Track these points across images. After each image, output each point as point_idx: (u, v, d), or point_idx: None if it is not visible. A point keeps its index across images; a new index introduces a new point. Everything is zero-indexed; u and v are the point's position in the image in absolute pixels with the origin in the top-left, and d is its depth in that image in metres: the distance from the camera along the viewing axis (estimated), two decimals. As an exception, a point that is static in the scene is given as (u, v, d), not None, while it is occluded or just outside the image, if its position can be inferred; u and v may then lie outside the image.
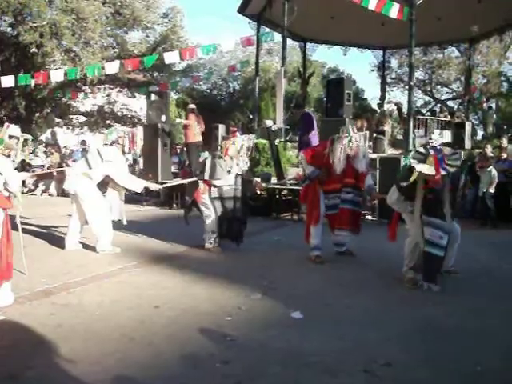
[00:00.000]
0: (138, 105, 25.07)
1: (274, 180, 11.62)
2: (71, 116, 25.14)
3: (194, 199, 6.93)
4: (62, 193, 14.88)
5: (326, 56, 41.63)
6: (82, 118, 25.48)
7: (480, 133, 21.82)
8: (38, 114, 22.80)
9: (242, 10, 15.93)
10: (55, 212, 9.98)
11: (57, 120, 24.29)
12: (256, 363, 3.26)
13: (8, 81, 14.21)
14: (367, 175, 6.49)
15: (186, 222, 7.07)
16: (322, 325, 4.00)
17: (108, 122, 25.53)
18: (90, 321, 3.93)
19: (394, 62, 29.83)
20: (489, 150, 11.53)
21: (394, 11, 10.84)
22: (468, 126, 12.22)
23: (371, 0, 10.84)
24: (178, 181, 9.66)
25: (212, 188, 6.76)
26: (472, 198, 10.80)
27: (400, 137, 14.83)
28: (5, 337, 3.62)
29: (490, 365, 3.31)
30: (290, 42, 17.76)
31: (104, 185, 6.78)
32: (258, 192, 8.41)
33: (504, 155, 11.31)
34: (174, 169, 13.67)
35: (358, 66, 52.84)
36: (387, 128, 14.18)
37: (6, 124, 6.32)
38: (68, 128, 25.34)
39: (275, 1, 14.32)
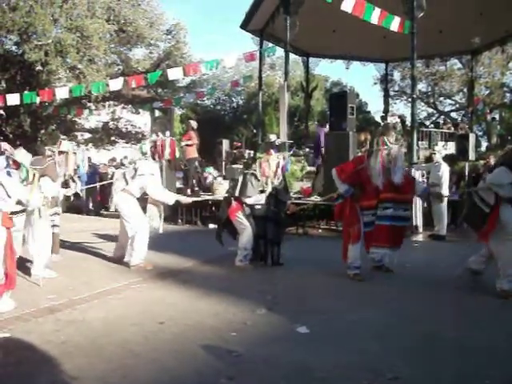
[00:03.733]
0: (142, 121, 25.18)
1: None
2: (76, 133, 25.28)
3: (228, 217, 6.77)
4: (67, 209, 14.95)
5: (329, 70, 41.91)
6: (87, 135, 25.60)
7: (484, 144, 21.80)
8: (43, 131, 22.93)
9: (244, 26, 16.07)
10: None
11: (62, 137, 24.43)
12: (262, 379, 3.23)
13: (14, 99, 14.33)
14: (414, 182, 6.30)
15: (221, 243, 6.93)
16: (328, 339, 3.98)
17: (113, 138, 25.65)
18: (94, 337, 3.92)
19: (396, 75, 29.99)
20: (492, 161, 11.49)
21: (395, 24, 10.92)
22: (472, 138, 12.16)
23: (373, 13, 10.92)
24: (210, 196, 9.69)
25: (244, 206, 6.63)
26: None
27: (404, 149, 14.83)
28: (9, 354, 3.61)
29: (497, 380, 3.27)
30: (292, 56, 17.86)
31: (144, 200, 6.82)
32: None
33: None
34: (178, 184, 13.70)
35: (361, 79, 53.20)
36: (391, 141, 14.18)
37: (59, 140, 6.58)
38: (73, 145, 25.49)
39: (277, 16, 14.45)
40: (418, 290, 5.67)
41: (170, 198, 6.80)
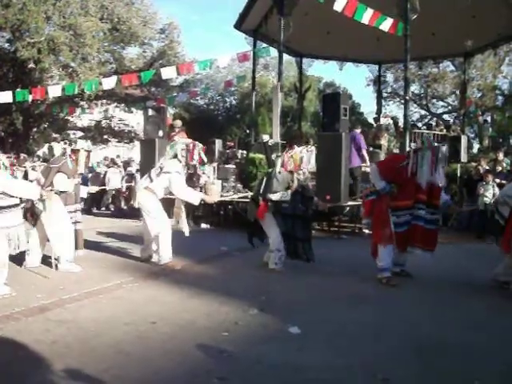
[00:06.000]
0: (135, 120, 25.15)
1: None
2: (68, 131, 25.19)
3: (257, 218, 6.62)
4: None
5: (322, 71, 41.94)
6: (80, 133, 25.51)
7: (476, 146, 21.93)
8: (35, 129, 22.84)
9: (238, 26, 16.05)
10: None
11: (54, 135, 24.34)
12: (253, 379, 3.23)
13: (5, 96, 14.26)
14: (441, 191, 6.15)
15: (252, 245, 6.85)
16: (320, 340, 3.98)
17: (105, 137, 25.58)
18: (85, 337, 3.89)
19: (389, 77, 30.11)
20: (483, 163, 11.57)
21: (387, 25, 10.96)
22: (464, 140, 12.24)
23: (365, 14, 10.95)
24: (234, 195, 9.65)
25: (269, 204, 6.44)
26: (468, 211, 10.81)
27: (396, 150, 14.87)
28: (-1, 354, 3.59)
29: (487, 381, 3.28)
30: (286, 56, 17.85)
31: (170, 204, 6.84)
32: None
33: (499, 168, 11.36)
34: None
35: (354, 80, 53.25)
36: (383, 142, 14.25)
37: (74, 140, 6.84)
38: (65, 143, 25.42)
39: (271, 16, 14.42)
40: (410, 291, 5.69)
41: (196, 198, 6.73)
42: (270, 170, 6.86)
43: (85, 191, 7.26)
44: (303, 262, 6.58)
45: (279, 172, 6.56)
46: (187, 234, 6.90)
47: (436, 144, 6.02)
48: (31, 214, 5.99)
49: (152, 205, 6.58)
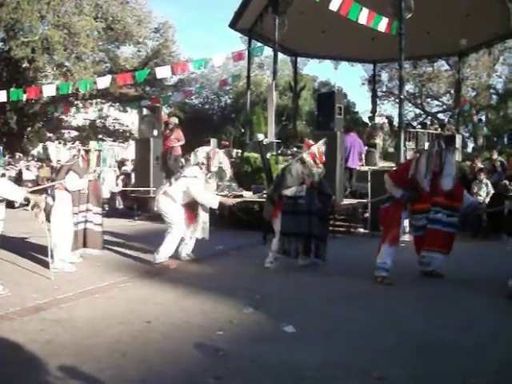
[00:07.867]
0: (129, 119, 25.12)
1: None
2: (63, 130, 25.14)
3: (272, 217, 6.55)
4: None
5: (317, 70, 41.86)
6: (74, 133, 25.46)
7: (470, 145, 22.01)
8: (29, 129, 22.77)
9: (233, 25, 16.05)
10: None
11: (48, 134, 24.29)
12: (249, 378, 3.23)
13: (0, 96, 14.19)
14: (464, 193, 6.14)
15: (264, 242, 6.88)
16: (315, 339, 3.98)
17: (100, 136, 25.55)
18: (80, 337, 3.88)
19: (384, 76, 30.19)
20: (478, 163, 11.62)
21: (382, 25, 10.99)
22: (458, 139, 12.33)
23: (361, 14, 10.97)
24: (252, 195, 9.62)
25: (285, 200, 6.34)
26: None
27: (391, 149, 14.93)
28: (-6, 354, 3.57)
29: (483, 380, 3.29)
30: (281, 55, 17.87)
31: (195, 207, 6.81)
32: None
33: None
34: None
35: (349, 79, 53.27)
36: (378, 141, 14.29)
37: (90, 142, 6.91)
38: (60, 142, 25.36)
39: (266, 15, 14.44)
40: (405, 289, 5.69)
41: (214, 201, 6.65)
42: (283, 167, 6.81)
43: (107, 191, 7.31)
44: (299, 261, 6.58)
45: (304, 163, 6.39)
46: (207, 237, 6.91)
47: (442, 148, 5.93)
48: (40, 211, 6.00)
49: (169, 209, 6.61)
